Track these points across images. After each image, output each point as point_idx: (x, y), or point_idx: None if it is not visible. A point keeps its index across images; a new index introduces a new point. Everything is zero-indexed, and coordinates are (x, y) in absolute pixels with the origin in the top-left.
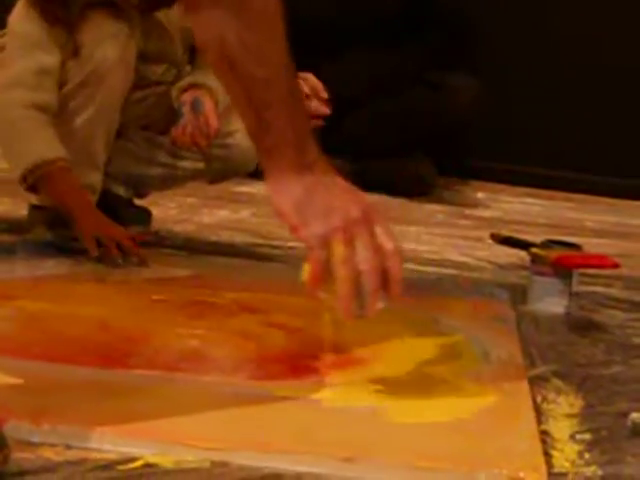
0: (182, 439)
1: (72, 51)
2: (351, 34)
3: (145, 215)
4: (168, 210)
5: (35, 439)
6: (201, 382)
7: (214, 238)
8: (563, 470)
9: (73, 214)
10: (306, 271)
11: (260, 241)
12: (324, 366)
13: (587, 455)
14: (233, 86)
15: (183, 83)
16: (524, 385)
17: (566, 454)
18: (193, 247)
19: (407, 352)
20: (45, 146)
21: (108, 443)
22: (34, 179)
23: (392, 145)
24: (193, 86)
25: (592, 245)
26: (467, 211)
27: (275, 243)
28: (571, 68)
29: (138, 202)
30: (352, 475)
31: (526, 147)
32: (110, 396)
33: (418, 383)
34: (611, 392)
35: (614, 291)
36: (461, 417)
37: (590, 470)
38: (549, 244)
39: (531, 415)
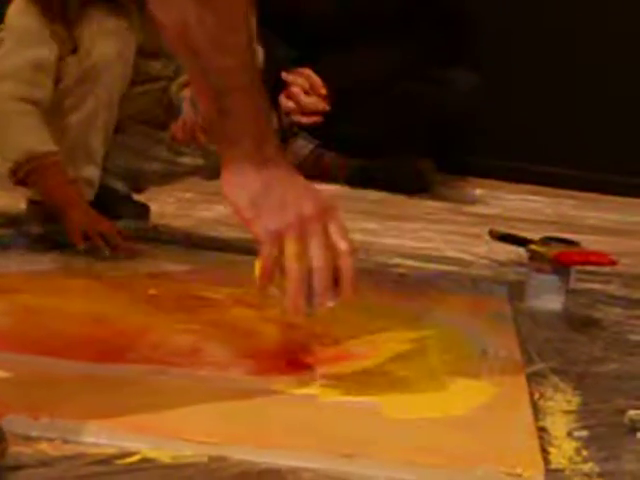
0: (179, 434)
1: (71, 46)
2: (351, 30)
3: (143, 210)
4: (166, 205)
5: (32, 433)
6: (198, 377)
7: (212, 233)
8: (560, 467)
9: (61, 208)
10: (257, 267)
11: None
12: (320, 361)
13: (584, 452)
14: (194, 73)
15: (183, 79)
16: (522, 382)
17: (563, 451)
18: (191, 242)
19: (404, 348)
20: (35, 140)
21: (105, 437)
22: (24, 173)
23: (391, 141)
24: None
25: (590, 242)
26: (466, 208)
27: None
28: (573, 65)
29: (136, 197)
30: (349, 470)
31: (526, 144)
32: (107, 390)
33: (415, 379)
34: (609, 389)
35: (612, 288)
36: (458, 413)
37: (587, 467)
38: (547, 241)
39: (528, 412)
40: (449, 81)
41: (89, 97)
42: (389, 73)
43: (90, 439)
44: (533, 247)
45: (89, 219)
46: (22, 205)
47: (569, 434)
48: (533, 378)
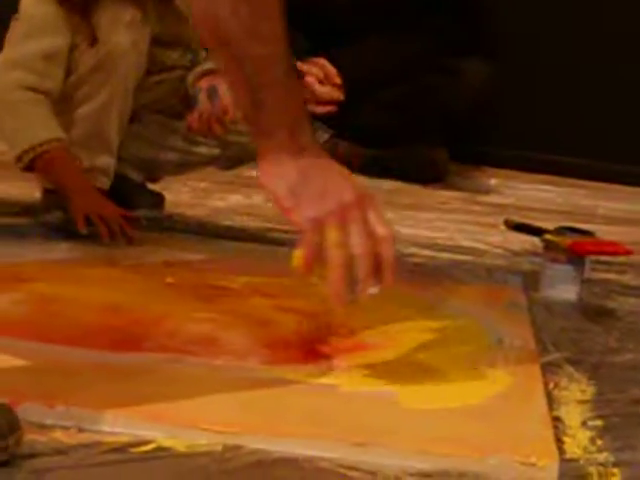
0: (194, 422)
1: (88, 36)
2: (365, 19)
3: (158, 199)
4: (181, 194)
5: (48, 421)
6: (214, 366)
7: (227, 223)
8: (575, 456)
9: (66, 193)
10: (297, 256)
11: (272, 226)
12: (336, 351)
13: (599, 441)
14: (227, 65)
15: (199, 69)
16: (536, 371)
17: (578, 440)
18: (206, 231)
19: (420, 337)
20: (41, 127)
21: (121, 426)
22: (29, 159)
23: (406, 131)
24: (209, 72)
25: (605, 232)
26: (480, 197)
27: (287, 228)
28: (586, 55)
29: (151, 186)
30: (364, 459)
31: (540, 134)
32: (123, 379)
33: (431, 368)
34: (623, 379)
35: (627, 278)
36: (473, 403)
37: (602, 456)
38: (562, 231)
39: (543, 401)
40: (462, 71)
41: (104, 86)
42: (403, 63)
43: (105, 427)
44: (548, 237)
45: (92, 204)
46: (37, 194)
47: (584, 424)
48: (548, 368)
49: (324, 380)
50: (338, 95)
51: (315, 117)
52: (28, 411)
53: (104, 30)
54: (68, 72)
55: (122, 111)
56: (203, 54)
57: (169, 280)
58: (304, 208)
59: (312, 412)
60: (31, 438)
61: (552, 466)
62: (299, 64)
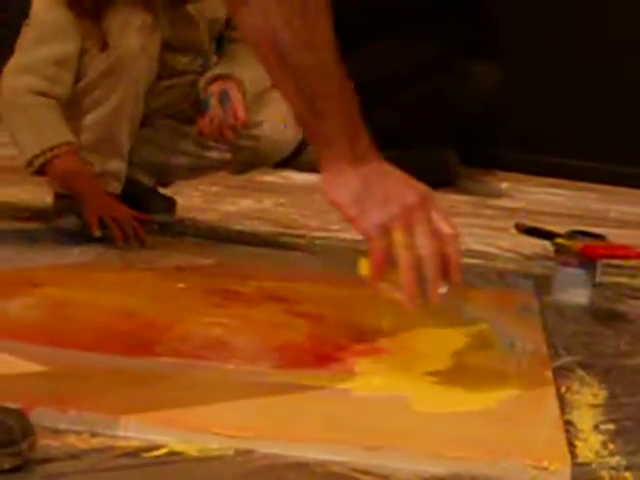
0: (207, 427)
1: (99, 40)
2: (376, 23)
3: (170, 204)
4: (192, 199)
5: (61, 426)
6: (225, 370)
7: (238, 227)
8: (587, 460)
9: (78, 196)
10: (365, 264)
11: (283, 230)
12: (349, 355)
13: (611, 445)
14: (284, 78)
15: (210, 74)
16: (548, 375)
17: (590, 444)
18: (217, 236)
19: (432, 341)
20: (52, 131)
21: (133, 430)
22: (39, 164)
23: (417, 134)
24: (221, 77)
25: (616, 236)
26: (491, 201)
27: (298, 232)
28: (596, 58)
29: (163, 191)
30: (378, 464)
31: (550, 137)
32: (135, 384)
33: (443, 372)
34: (635, 383)
35: (638, 282)
36: (486, 407)
37: (614, 460)
38: (574, 235)
39: (555, 405)
40: (473, 74)
41: (115, 91)
42: (414, 66)
43: (118, 432)
44: (559, 241)
45: (105, 206)
46: (49, 199)
47: (596, 428)
48: (560, 372)
49: (336, 384)
50: None
51: None
52: (41, 416)
53: (115, 35)
54: (78, 77)
55: (133, 116)
56: (214, 59)
57: (181, 285)
58: (369, 215)
59: (324, 416)
60: (44, 443)
61: (564, 470)
62: None
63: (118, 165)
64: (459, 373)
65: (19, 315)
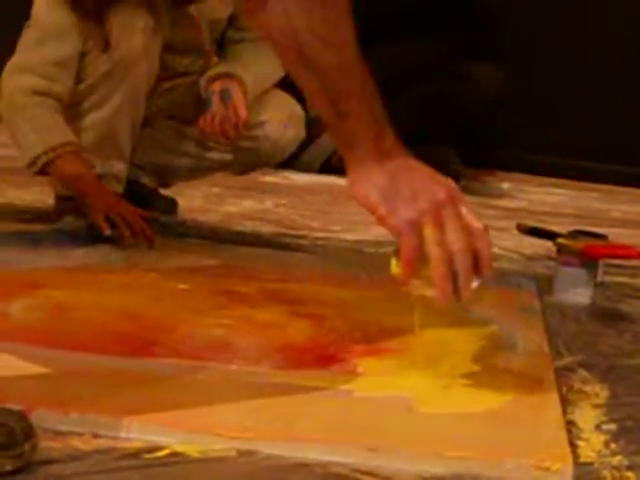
0: (208, 428)
1: (101, 42)
2: (378, 25)
3: (171, 205)
4: (194, 200)
5: (62, 428)
6: (228, 371)
7: (239, 228)
8: (589, 460)
9: (81, 197)
10: (395, 262)
11: (285, 231)
12: (351, 355)
13: (613, 445)
14: (306, 78)
15: (212, 73)
16: (550, 375)
17: (592, 444)
18: (219, 237)
19: (434, 342)
20: (54, 131)
21: (135, 432)
22: (42, 164)
23: (418, 135)
24: (222, 76)
25: (618, 235)
26: (493, 201)
27: (300, 233)
28: (598, 59)
29: (164, 192)
30: (379, 464)
31: (552, 138)
32: (137, 385)
33: (445, 373)
34: (637, 382)
35: None
36: (488, 407)
37: (616, 460)
38: (575, 234)
39: (557, 405)
40: (475, 76)
41: (116, 92)
42: (415, 67)
43: (120, 433)
44: (561, 241)
45: (111, 204)
46: (51, 200)
47: (598, 427)
48: (561, 372)
49: (339, 385)
50: None
51: None
52: (43, 418)
53: (117, 36)
54: (79, 78)
55: (134, 117)
56: (214, 59)
57: (183, 286)
58: (399, 211)
59: (326, 417)
60: (46, 445)
61: (566, 470)
62: None
63: (119, 166)
64: (461, 373)
65: (21, 317)
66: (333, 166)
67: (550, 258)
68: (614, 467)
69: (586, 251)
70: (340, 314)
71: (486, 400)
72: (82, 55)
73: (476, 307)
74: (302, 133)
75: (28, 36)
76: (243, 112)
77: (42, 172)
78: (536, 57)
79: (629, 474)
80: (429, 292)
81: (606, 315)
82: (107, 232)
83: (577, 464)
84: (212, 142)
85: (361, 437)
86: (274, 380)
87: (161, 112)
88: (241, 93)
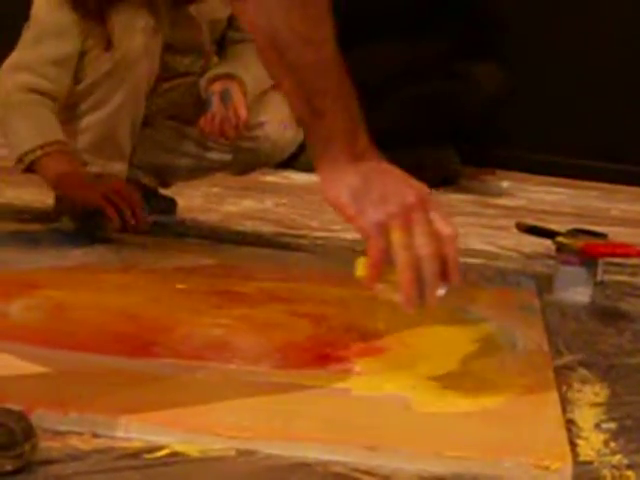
0: (208, 428)
1: (103, 41)
2: (376, 23)
3: (171, 204)
4: (193, 200)
5: (62, 428)
6: (227, 371)
7: (239, 228)
8: (588, 459)
9: (70, 191)
10: (361, 264)
11: (285, 230)
12: (350, 355)
13: (613, 444)
14: (283, 74)
15: (212, 73)
16: (550, 374)
17: (592, 443)
18: (218, 237)
19: (433, 341)
20: (43, 128)
21: (134, 431)
22: (29, 161)
23: (417, 135)
24: (222, 76)
25: (618, 234)
26: (492, 200)
27: (300, 232)
28: (598, 57)
29: (163, 191)
30: (378, 463)
31: (551, 136)
32: (136, 385)
33: (445, 372)
34: (637, 381)
35: None
36: (487, 406)
37: (615, 459)
38: (575, 233)
39: (557, 404)
40: (475, 75)
41: (117, 92)
42: (415, 67)
43: (119, 433)
44: (560, 239)
45: (100, 184)
46: (51, 201)
47: (597, 426)
48: (561, 370)
49: (338, 384)
50: None
51: None
52: (42, 418)
53: (118, 36)
54: (78, 78)
55: (135, 117)
56: (215, 59)
57: (182, 286)
58: (368, 213)
59: (325, 416)
60: (46, 445)
61: (566, 469)
62: None
63: (119, 166)
64: (460, 372)
65: (20, 317)
66: None
67: (550, 257)
68: (614, 466)
69: (586, 250)
70: (339, 313)
71: (485, 399)
72: (81, 55)
73: (475, 306)
74: (302, 133)
75: (27, 35)
76: (243, 113)
77: (29, 170)
78: (536, 56)
79: (629, 473)
80: (395, 297)
81: (606, 314)
82: (112, 215)
83: (577, 463)
84: (212, 142)
85: (360, 436)
86: (273, 379)
87: (161, 112)
88: (241, 94)
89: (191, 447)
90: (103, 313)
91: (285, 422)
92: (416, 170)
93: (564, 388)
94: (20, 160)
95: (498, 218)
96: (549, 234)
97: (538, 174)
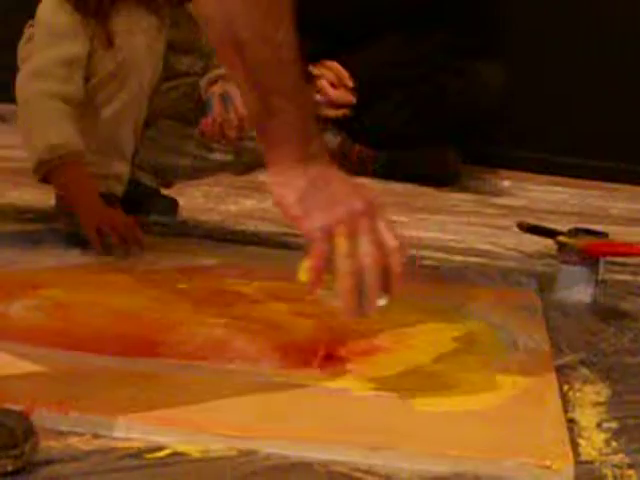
0: (209, 428)
1: (104, 42)
2: (377, 22)
3: (172, 205)
4: (194, 199)
5: (63, 428)
6: (227, 371)
7: (240, 227)
8: (590, 458)
9: (76, 207)
10: (304, 268)
11: (286, 230)
12: (351, 355)
13: (614, 443)
14: (239, 70)
15: (212, 74)
16: (551, 374)
17: (593, 442)
18: (219, 236)
19: (434, 340)
20: (60, 139)
21: (135, 432)
22: (45, 170)
23: (418, 134)
24: (223, 78)
25: (619, 233)
26: (493, 199)
27: (300, 232)
28: (599, 56)
29: (164, 191)
30: (379, 463)
31: (552, 135)
32: (137, 385)
33: (445, 372)
34: (638, 380)
35: None
36: (488, 405)
37: (617, 458)
38: (576, 232)
39: (558, 404)
40: (476, 73)
41: (120, 92)
42: (416, 65)
43: (120, 433)
44: (562, 239)
45: (102, 218)
46: (51, 200)
47: (599, 426)
48: (562, 370)
49: (337, 384)
50: (351, 98)
51: (328, 120)
52: (43, 418)
53: (121, 36)
54: (86, 78)
55: (137, 117)
56: (214, 60)
57: (182, 286)
58: (313, 217)
59: (326, 416)
60: (46, 445)
61: (567, 468)
62: (312, 68)
63: (121, 167)
64: (461, 372)
65: (21, 317)
66: None
67: (551, 256)
68: (615, 465)
69: (587, 249)
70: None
71: (486, 398)
72: (90, 55)
73: (476, 305)
74: None
75: (37, 40)
76: (244, 114)
77: (45, 179)
78: (537, 54)
79: (630, 472)
80: (335, 304)
81: (607, 313)
82: (97, 248)
83: (578, 462)
84: (213, 143)
85: (361, 436)
86: (274, 379)
87: (162, 112)
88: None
89: (192, 447)
90: (104, 313)
91: (286, 422)
92: (417, 169)
93: (565, 387)
94: (37, 169)
95: (499, 217)
96: (550, 233)
97: (539, 173)
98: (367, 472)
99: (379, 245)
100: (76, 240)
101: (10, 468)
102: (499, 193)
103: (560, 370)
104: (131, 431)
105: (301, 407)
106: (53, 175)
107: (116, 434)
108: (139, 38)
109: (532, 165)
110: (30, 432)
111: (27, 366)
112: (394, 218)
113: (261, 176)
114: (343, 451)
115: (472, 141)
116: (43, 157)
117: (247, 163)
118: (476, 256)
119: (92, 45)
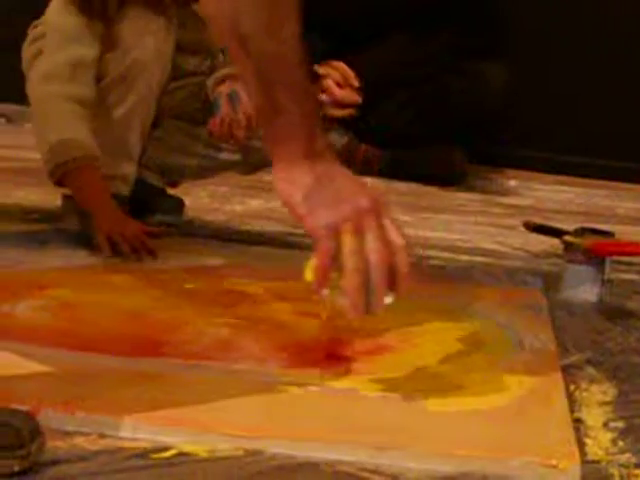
0: (215, 427)
1: (110, 44)
2: (383, 22)
3: (178, 204)
4: (200, 199)
5: (69, 428)
6: (234, 370)
7: (246, 227)
8: (596, 458)
9: (90, 211)
10: (310, 267)
11: (292, 230)
12: (356, 354)
13: (621, 443)
14: (245, 65)
15: (219, 74)
16: (557, 373)
17: (599, 442)
18: (225, 236)
19: (440, 340)
20: (76, 140)
21: (142, 432)
22: (60, 174)
23: (423, 133)
24: (230, 77)
25: (625, 232)
26: (499, 199)
27: (306, 231)
28: (604, 55)
29: (171, 191)
30: (386, 463)
31: (558, 135)
32: (143, 385)
33: (452, 371)
34: None
35: None
36: (494, 405)
37: (624, 457)
38: (582, 232)
39: (564, 403)
40: (481, 73)
41: (129, 94)
42: (421, 65)
43: (126, 433)
44: (568, 238)
45: (114, 225)
46: (58, 201)
47: (605, 425)
48: (569, 369)
49: (344, 384)
50: (357, 98)
51: (334, 120)
52: (49, 418)
53: (129, 39)
54: (97, 80)
55: (146, 118)
56: (221, 58)
57: (188, 285)
58: (319, 214)
59: (332, 416)
60: (53, 445)
61: (574, 468)
62: (318, 67)
63: (128, 168)
64: (467, 372)
65: (27, 317)
66: None
67: (557, 255)
68: (622, 465)
69: (593, 248)
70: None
71: (493, 398)
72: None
73: (482, 305)
74: None
75: (48, 43)
76: (252, 114)
77: (60, 183)
78: (542, 54)
79: (637, 472)
80: (341, 302)
81: (614, 312)
82: (107, 254)
83: (585, 462)
84: (221, 142)
85: (368, 436)
86: (280, 379)
87: (169, 112)
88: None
89: (198, 447)
90: (110, 313)
91: (292, 421)
92: (423, 169)
93: (572, 387)
94: (52, 173)
95: (505, 217)
96: (556, 233)
97: (545, 173)
98: (374, 472)
99: (385, 243)
100: (82, 240)
101: (17, 468)
102: (505, 193)
103: (566, 370)
104: (137, 431)
105: (307, 407)
106: (68, 178)
107: (122, 434)
108: (148, 40)
109: (538, 165)
110: (36, 432)
111: (33, 366)
112: (400, 217)
113: (267, 176)
114: (350, 451)
115: (478, 141)
116: (59, 159)
117: (254, 163)
118: (482, 256)
119: (101, 47)
